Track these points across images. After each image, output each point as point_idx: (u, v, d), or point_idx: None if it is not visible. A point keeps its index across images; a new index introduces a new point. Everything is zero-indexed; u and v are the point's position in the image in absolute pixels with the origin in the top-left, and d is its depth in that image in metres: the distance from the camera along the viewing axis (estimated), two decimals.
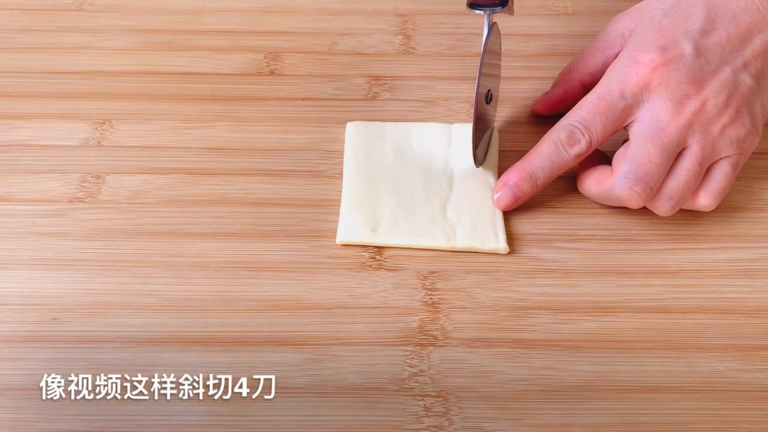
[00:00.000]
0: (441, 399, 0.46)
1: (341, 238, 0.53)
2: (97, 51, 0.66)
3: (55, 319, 0.49)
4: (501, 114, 0.61)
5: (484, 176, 0.56)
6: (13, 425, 0.44)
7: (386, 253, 0.53)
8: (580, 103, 0.53)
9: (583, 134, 0.52)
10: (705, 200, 0.52)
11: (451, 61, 0.66)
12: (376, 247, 0.53)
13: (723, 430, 0.45)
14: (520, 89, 0.63)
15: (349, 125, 0.60)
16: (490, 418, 0.45)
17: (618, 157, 0.52)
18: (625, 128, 0.53)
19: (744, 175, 0.57)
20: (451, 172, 0.57)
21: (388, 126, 0.60)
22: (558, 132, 0.53)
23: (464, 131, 0.59)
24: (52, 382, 0.46)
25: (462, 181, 0.56)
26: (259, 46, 0.67)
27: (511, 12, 0.54)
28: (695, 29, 0.52)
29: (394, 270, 0.52)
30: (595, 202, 0.55)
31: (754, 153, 0.58)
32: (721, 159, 0.52)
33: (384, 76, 0.64)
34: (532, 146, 0.55)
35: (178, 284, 0.50)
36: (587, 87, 0.56)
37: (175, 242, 0.53)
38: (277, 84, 0.64)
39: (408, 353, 0.47)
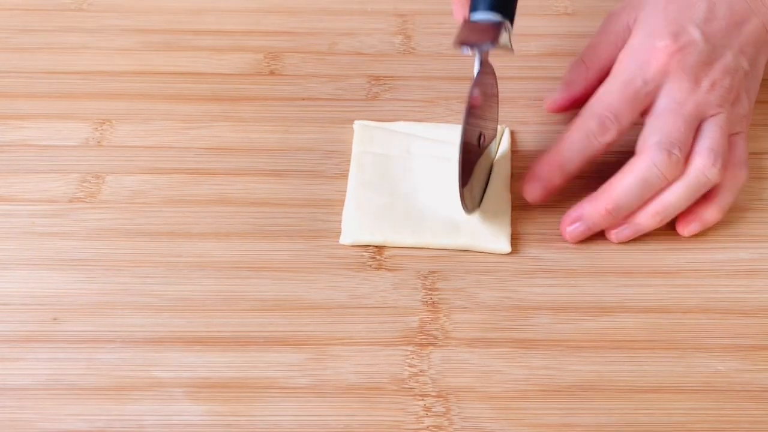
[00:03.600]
0: (441, 399, 0.45)
1: (346, 238, 0.53)
2: (97, 51, 0.66)
3: (55, 319, 0.49)
4: (502, 115, 0.61)
5: (494, 176, 0.56)
6: (13, 425, 0.44)
7: (386, 253, 0.53)
8: (603, 90, 0.54)
9: (613, 122, 0.53)
10: (713, 215, 0.54)
11: (451, 61, 0.66)
12: (376, 247, 0.53)
13: (723, 430, 0.45)
14: (520, 89, 0.63)
15: (357, 123, 0.60)
16: (490, 418, 0.45)
17: (641, 142, 0.53)
18: (641, 114, 0.54)
19: None
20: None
21: (396, 125, 0.60)
22: (588, 121, 0.53)
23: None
24: (53, 382, 0.46)
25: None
26: (259, 46, 0.67)
27: (508, 49, 0.53)
28: (700, 17, 0.55)
29: (394, 270, 0.52)
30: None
31: (753, 153, 0.58)
32: (734, 134, 0.55)
33: (384, 76, 0.64)
34: (534, 146, 0.55)
35: (179, 284, 0.50)
36: None
37: (175, 242, 0.53)
38: (277, 84, 0.64)
39: (408, 353, 0.47)
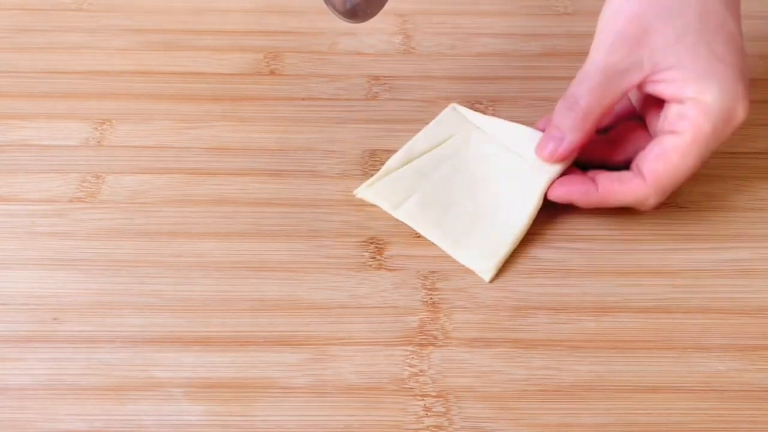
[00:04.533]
0: (441, 399, 0.46)
1: (362, 192, 0.54)
2: (97, 51, 0.66)
3: (55, 319, 0.49)
4: (502, 115, 0.61)
5: (524, 194, 0.53)
6: (13, 425, 0.44)
7: (386, 252, 0.53)
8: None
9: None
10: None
11: (451, 61, 0.66)
12: (376, 246, 0.53)
13: (723, 430, 0.45)
14: (520, 89, 0.63)
15: (449, 108, 0.59)
16: (490, 418, 0.45)
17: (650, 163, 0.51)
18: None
19: (744, 175, 0.57)
20: (496, 179, 0.55)
21: (479, 118, 0.58)
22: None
23: (527, 137, 0.56)
24: (53, 382, 0.46)
25: (497, 194, 0.54)
26: (259, 46, 0.67)
27: None
28: (738, 35, 0.51)
29: (394, 270, 0.52)
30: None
31: (753, 153, 0.58)
32: None
33: (384, 76, 0.64)
34: None
35: (178, 284, 0.50)
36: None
37: (175, 242, 0.53)
38: (277, 84, 0.64)
39: (408, 353, 0.48)
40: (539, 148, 0.53)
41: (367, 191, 0.54)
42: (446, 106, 0.62)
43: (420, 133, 0.57)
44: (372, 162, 0.58)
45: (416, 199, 0.54)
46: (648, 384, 0.46)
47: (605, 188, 0.52)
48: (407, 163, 0.56)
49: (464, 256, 0.52)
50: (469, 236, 0.52)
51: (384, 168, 0.55)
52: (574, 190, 0.52)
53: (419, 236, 0.53)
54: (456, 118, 0.59)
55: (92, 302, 0.50)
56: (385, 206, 0.54)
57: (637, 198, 0.51)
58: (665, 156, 0.50)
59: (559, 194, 0.53)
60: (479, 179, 0.55)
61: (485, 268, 0.51)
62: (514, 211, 0.53)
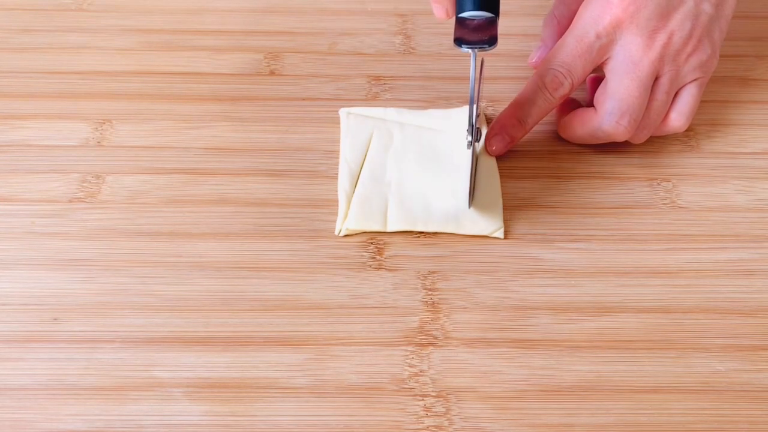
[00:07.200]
0: (441, 399, 0.46)
1: (350, 225, 0.53)
2: (97, 51, 0.66)
3: (55, 319, 0.49)
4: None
5: (483, 162, 0.57)
6: (13, 425, 0.44)
7: (386, 253, 0.53)
8: (558, 46, 0.56)
9: (565, 77, 0.55)
10: (678, 122, 0.57)
11: (451, 61, 0.66)
12: (376, 246, 0.53)
13: (723, 430, 0.45)
14: (520, 89, 0.62)
15: (342, 111, 0.60)
16: (490, 418, 0.45)
17: (599, 97, 0.56)
18: (601, 66, 0.56)
19: (744, 175, 0.57)
20: (449, 157, 0.57)
21: (382, 111, 0.60)
22: (542, 77, 0.56)
23: (458, 114, 0.60)
24: (53, 382, 0.46)
25: (453, 166, 0.56)
26: (259, 46, 0.67)
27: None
28: None
29: (394, 270, 0.52)
30: (596, 202, 0.55)
31: (754, 153, 0.58)
32: (687, 83, 0.56)
33: (384, 76, 0.64)
34: (536, 143, 0.55)
35: (178, 284, 0.50)
36: None
37: (175, 242, 0.53)
38: (277, 84, 0.64)
39: (408, 353, 0.48)
40: (487, 144, 0.57)
41: (347, 224, 0.53)
42: (446, 106, 0.62)
43: (343, 149, 0.58)
44: None
45: (394, 206, 0.54)
46: (648, 384, 0.46)
47: (567, 123, 0.58)
48: (357, 180, 0.56)
49: (472, 228, 0.53)
50: (461, 210, 0.54)
51: (343, 196, 0.55)
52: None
53: (419, 236, 0.53)
54: (358, 118, 0.60)
55: (92, 302, 0.50)
56: (374, 228, 0.53)
57: (593, 124, 0.56)
58: (605, 84, 0.56)
59: None
60: (430, 160, 0.57)
61: (496, 228, 0.53)
62: (481, 171, 0.56)
